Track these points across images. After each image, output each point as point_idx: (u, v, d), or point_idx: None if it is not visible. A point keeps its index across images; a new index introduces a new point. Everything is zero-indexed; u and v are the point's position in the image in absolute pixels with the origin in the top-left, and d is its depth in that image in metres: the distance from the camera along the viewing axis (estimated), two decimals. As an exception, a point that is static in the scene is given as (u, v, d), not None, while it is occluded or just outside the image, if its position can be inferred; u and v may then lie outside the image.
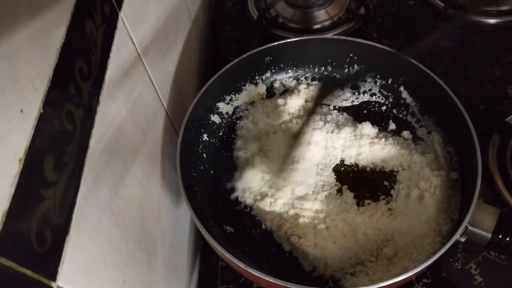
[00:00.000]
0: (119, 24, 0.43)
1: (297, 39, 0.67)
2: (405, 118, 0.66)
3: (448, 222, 0.53)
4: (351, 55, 0.68)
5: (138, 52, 0.48)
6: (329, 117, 0.64)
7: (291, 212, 0.55)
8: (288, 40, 0.67)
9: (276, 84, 0.70)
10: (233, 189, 0.60)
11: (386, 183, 0.59)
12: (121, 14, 0.43)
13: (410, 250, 0.51)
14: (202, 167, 0.62)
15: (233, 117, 0.68)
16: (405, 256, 0.51)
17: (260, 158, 0.60)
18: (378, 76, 0.68)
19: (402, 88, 0.67)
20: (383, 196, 0.57)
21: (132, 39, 0.46)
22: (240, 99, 0.69)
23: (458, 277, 0.53)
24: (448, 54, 0.76)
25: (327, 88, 0.66)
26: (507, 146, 0.61)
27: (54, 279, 0.27)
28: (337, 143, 0.61)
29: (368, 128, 0.62)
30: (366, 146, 0.61)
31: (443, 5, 0.81)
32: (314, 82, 0.70)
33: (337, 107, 0.68)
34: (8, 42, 0.26)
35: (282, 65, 0.70)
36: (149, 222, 0.47)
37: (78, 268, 0.30)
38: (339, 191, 0.58)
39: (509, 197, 0.57)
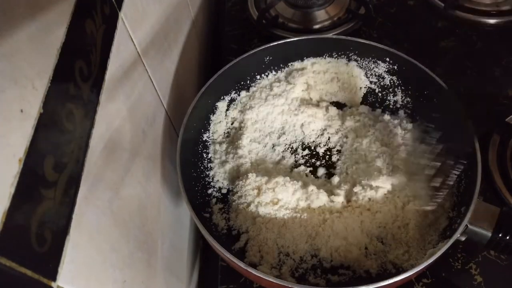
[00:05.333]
0: (119, 24, 0.43)
1: (297, 39, 0.67)
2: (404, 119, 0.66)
3: (448, 221, 0.53)
4: (351, 55, 0.68)
5: (138, 52, 0.48)
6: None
7: (289, 219, 0.55)
8: (288, 40, 0.67)
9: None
10: (233, 190, 0.60)
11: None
12: (121, 14, 0.43)
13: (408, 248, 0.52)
14: (202, 167, 0.62)
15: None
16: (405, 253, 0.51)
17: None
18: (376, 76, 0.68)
19: (400, 88, 0.67)
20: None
21: (132, 39, 0.46)
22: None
23: (458, 277, 0.53)
24: (448, 54, 0.76)
25: None
26: (507, 146, 0.61)
27: (54, 279, 0.27)
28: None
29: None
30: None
31: (443, 5, 0.81)
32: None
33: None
34: (8, 42, 0.26)
35: (282, 65, 0.70)
36: (149, 222, 0.47)
37: (78, 268, 0.30)
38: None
39: (509, 196, 0.57)
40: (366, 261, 0.52)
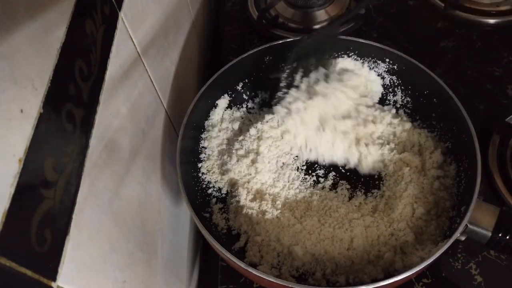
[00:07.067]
0: (119, 24, 0.43)
1: (297, 38, 0.67)
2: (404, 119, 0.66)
3: (448, 221, 0.53)
4: (351, 55, 0.68)
5: (138, 52, 0.48)
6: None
7: (289, 219, 0.55)
8: (288, 40, 0.67)
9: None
10: (232, 192, 0.59)
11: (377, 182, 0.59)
12: (121, 14, 0.43)
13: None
14: (202, 167, 0.61)
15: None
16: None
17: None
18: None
19: (400, 88, 0.67)
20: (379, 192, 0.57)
21: (132, 39, 0.46)
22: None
23: (458, 277, 0.53)
24: (448, 54, 0.76)
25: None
26: (507, 146, 0.61)
27: (54, 279, 0.27)
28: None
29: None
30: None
31: (443, 5, 0.81)
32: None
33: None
34: (8, 42, 0.26)
35: (281, 65, 0.70)
36: (149, 222, 0.47)
37: (78, 268, 0.30)
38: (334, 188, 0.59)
39: (508, 196, 0.57)
40: (368, 267, 0.52)
